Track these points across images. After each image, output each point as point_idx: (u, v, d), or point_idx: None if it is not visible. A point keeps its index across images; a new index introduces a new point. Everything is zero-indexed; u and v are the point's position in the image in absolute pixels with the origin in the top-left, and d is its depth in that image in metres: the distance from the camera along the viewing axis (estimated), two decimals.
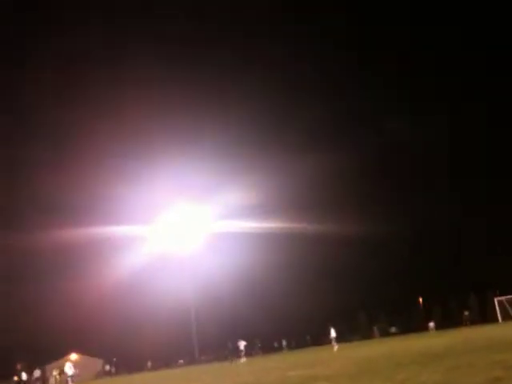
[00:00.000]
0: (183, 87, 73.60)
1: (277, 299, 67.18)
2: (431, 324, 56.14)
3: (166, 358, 69.03)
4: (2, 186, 65.73)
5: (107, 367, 68.88)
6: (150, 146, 67.87)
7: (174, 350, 69.64)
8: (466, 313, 57.84)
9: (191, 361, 62.41)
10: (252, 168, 68.59)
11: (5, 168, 67.50)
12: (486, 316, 59.00)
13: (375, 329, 70.61)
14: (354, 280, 71.49)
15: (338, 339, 63.47)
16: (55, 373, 63.15)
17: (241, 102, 68.57)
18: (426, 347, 20.59)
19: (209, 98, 77.57)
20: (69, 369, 24.78)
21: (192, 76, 77.01)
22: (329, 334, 37.72)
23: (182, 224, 58.77)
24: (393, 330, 70.74)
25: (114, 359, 69.88)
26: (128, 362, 69.88)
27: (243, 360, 38.59)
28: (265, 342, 68.32)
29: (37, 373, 23.18)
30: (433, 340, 28.27)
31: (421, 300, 72.13)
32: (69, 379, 24.43)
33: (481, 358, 11.58)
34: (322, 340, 61.48)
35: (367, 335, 67.95)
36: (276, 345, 66.02)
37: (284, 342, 63.79)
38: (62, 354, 68.87)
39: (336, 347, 35.11)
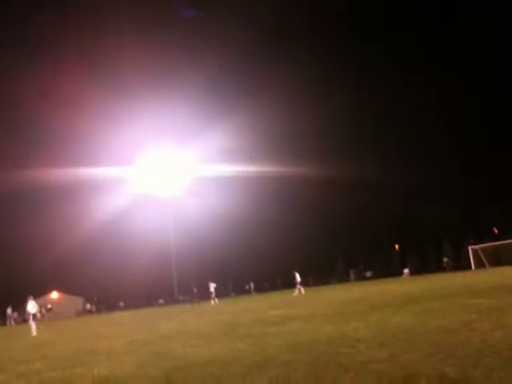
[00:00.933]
0: (169, 26, 71.45)
1: (256, 243, 68.25)
2: (406, 270, 57.62)
3: (146, 297, 70.27)
4: None
5: (88, 306, 70.10)
6: (132, 85, 66.49)
7: (154, 290, 70.95)
8: (446, 259, 59.48)
9: (171, 301, 63.70)
10: (236, 110, 67.88)
11: None
12: (460, 263, 60.72)
13: (351, 273, 72.40)
14: (333, 224, 72.75)
15: (315, 282, 65.27)
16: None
17: (227, 42, 66.87)
18: (401, 291, 21.23)
19: (194, 38, 75.73)
20: (32, 307, 23.44)
21: (179, 14, 74.69)
22: (294, 278, 38.45)
23: (165, 166, 58.49)
24: (368, 274, 72.53)
25: (95, 298, 71.05)
26: (108, 301, 71.06)
27: (213, 302, 39.24)
28: (238, 284, 69.79)
29: (9, 310, 21.80)
30: (407, 285, 29.11)
31: (397, 246, 73.84)
32: (30, 317, 23.44)
33: (454, 302, 12.01)
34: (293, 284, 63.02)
35: (343, 279, 69.74)
36: (247, 287, 66.93)
37: (252, 285, 64.10)
38: (42, 292, 69.67)
39: (302, 290, 35.98)
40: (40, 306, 65.41)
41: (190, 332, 12.80)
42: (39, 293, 68.90)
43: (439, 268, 59.43)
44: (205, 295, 44.21)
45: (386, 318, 10.04)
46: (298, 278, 37.96)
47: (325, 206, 69.70)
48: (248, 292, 63.48)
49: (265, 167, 62.86)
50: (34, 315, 23.67)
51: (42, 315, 63.19)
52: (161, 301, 69.63)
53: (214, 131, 62.21)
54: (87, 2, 73.79)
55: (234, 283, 70.30)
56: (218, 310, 24.85)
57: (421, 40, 74.99)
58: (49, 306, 68.78)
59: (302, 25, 78.15)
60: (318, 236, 71.33)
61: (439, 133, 74.76)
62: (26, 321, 23.61)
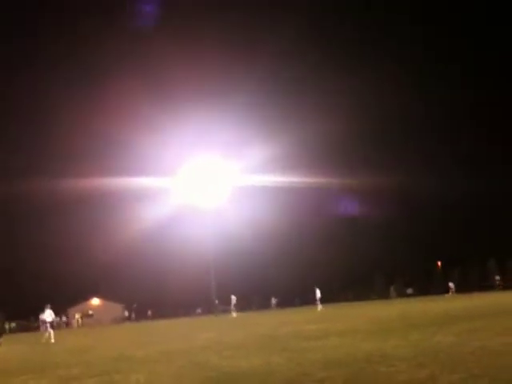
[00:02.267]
0: (213, 37, 72.33)
1: (296, 256, 67.89)
2: (451, 284, 54.13)
3: (185, 306, 70.70)
4: (27, 131, 66.47)
5: (126, 313, 71.00)
6: (176, 96, 67.65)
7: (192, 300, 71.24)
8: (498, 277, 57.43)
9: (209, 310, 63.83)
10: (279, 121, 68.07)
11: (31, 114, 68.01)
12: (505, 282, 58.66)
13: (392, 289, 70.93)
14: (373, 239, 71.74)
15: (356, 299, 64.28)
16: (77, 316, 65.55)
17: (271, 53, 67.14)
18: (443, 310, 20.69)
19: (239, 49, 76.39)
20: (48, 315, 23.88)
21: (223, 25, 75.67)
22: (314, 294, 37.87)
23: (206, 177, 59.00)
24: (409, 291, 70.91)
25: (134, 305, 71.92)
26: (147, 309, 71.76)
27: (234, 314, 39.64)
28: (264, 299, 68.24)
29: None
30: (450, 303, 28.36)
31: (439, 263, 72.10)
32: (48, 325, 23.84)
33: (497, 322, 11.60)
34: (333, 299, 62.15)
35: (383, 295, 68.43)
36: (272, 301, 65.14)
37: (273, 300, 62.21)
38: (84, 298, 71.13)
39: (320, 307, 35.40)
40: (81, 312, 67.27)
41: (227, 343, 12.79)
42: (81, 299, 70.58)
43: (486, 287, 57.53)
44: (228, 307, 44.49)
45: (427, 337, 9.77)
46: (318, 293, 37.49)
47: (366, 218, 68.91)
48: (269, 307, 62.14)
49: (307, 178, 62.48)
50: (52, 323, 24.26)
51: (82, 321, 64.61)
52: (198, 310, 69.90)
53: (257, 141, 62.46)
54: (134, 13, 75.42)
55: (258, 297, 69.15)
56: (255, 323, 24.77)
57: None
58: (90, 312, 70.13)
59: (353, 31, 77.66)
60: (359, 250, 70.50)
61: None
62: (53, 327, 24.15)
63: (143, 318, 66.92)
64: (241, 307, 45.62)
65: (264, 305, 61.12)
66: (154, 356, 10.99)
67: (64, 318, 59.53)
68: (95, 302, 72.51)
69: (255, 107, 71.54)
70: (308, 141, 66.09)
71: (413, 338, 9.89)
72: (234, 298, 42.61)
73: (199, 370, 7.89)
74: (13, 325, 54.44)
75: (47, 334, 23.75)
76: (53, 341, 22.42)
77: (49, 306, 24.38)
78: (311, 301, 38.33)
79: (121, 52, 71.00)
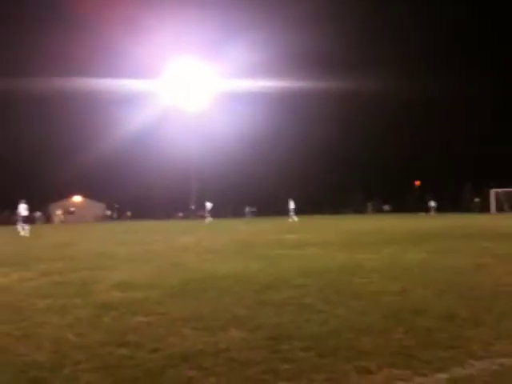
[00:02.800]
0: None
1: (275, 164, 68.15)
2: (432, 203, 54.35)
3: (166, 209, 71.65)
4: (14, 32, 63.67)
5: (108, 212, 71.91)
6: None
7: (174, 203, 72.10)
8: (476, 199, 58.44)
9: (189, 215, 64.91)
10: (263, 23, 65.78)
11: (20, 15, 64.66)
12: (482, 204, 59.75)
13: (369, 205, 72.45)
14: (354, 151, 72.23)
15: (332, 212, 65.66)
16: (59, 212, 66.16)
17: None
18: (418, 228, 21.33)
19: None
20: (23, 209, 24.20)
21: None
22: (288, 205, 38.40)
23: (190, 80, 57.75)
24: (386, 208, 72.54)
25: (116, 206, 72.71)
26: (126, 210, 72.59)
27: (208, 220, 40.83)
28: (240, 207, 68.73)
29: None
30: (425, 222, 29.21)
31: (417, 183, 73.26)
32: (20, 219, 24.26)
33: (471, 244, 12.04)
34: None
35: (360, 210, 69.98)
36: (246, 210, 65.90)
37: (247, 209, 62.40)
38: (66, 195, 71.44)
39: (295, 219, 36.04)
40: (62, 208, 67.88)
41: (206, 247, 13.15)
42: (63, 195, 70.91)
43: (463, 208, 58.85)
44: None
45: (400, 252, 10.17)
46: (291, 205, 37.97)
47: (347, 124, 68.61)
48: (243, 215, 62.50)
49: (288, 82, 61.31)
50: (25, 218, 24.47)
51: (63, 217, 65.38)
52: (180, 214, 70.99)
53: (239, 45, 60.55)
54: None
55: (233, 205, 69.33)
56: (233, 230, 25.35)
57: None
58: (71, 209, 70.80)
59: None
60: (337, 164, 71.01)
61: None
62: (26, 222, 24.41)
63: (123, 218, 67.98)
64: (216, 214, 46.55)
65: (239, 213, 61.94)
66: (136, 254, 11.30)
67: (38, 213, 59.97)
68: (77, 199, 72.93)
69: (239, 7, 68.53)
70: (291, 45, 64.25)
71: (386, 252, 10.28)
72: (209, 205, 43.61)
73: (180, 271, 8.16)
74: None
75: (20, 228, 24.04)
76: (27, 235, 22.78)
77: (23, 200, 24.38)
78: (286, 212, 38.63)
79: None
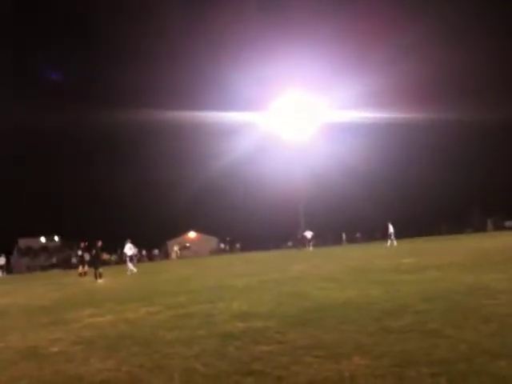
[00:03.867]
0: None
1: (387, 192, 66.67)
2: None
3: (274, 239, 72.36)
4: (126, 65, 68.67)
5: (221, 245, 74.15)
6: (266, 30, 66.54)
7: (281, 233, 72.65)
8: None
9: (299, 243, 64.83)
10: (371, 56, 65.22)
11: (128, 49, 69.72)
12: None
13: (489, 222, 68.23)
14: (471, 171, 68.76)
15: (449, 231, 62.65)
16: (176, 248, 69.32)
17: None
18: None
19: None
20: (128, 249, 25.15)
21: None
22: (387, 229, 37.05)
23: (296, 112, 58.54)
24: (508, 224, 67.85)
25: (228, 238, 74.81)
26: (236, 243, 74.32)
27: (310, 249, 40.92)
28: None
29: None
30: None
31: None
32: (127, 259, 25.17)
33: None
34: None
35: (480, 229, 66.04)
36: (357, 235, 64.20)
37: (344, 236, 61.24)
38: (181, 232, 74.87)
39: (394, 243, 34.62)
40: (179, 244, 71.06)
41: (319, 275, 13.07)
42: (178, 232, 74.35)
43: None
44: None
45: None
46: (391, 229, 36.68)
47: (463, 151, 65.68)
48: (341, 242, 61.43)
49: (398, 113, 60.03)
50: (131, 257, 25.55)
51: (180, 253, 68.37)
52: (289, 243, 71.33)
53: (348, 76, 60.62)
54: None
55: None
56: (345, 256, 24.99)
57: None
58: (187, 245, 73.87)
59: None
60: (453, 181, 67.98)
61: None
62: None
63: (234, 251, 69.57)
64: (317, 243, 47.02)
65: (339, 241, 61.31)
66: (253, 285, 11.51)
67: (156, 251, 63.36)
68: (192, 235, 76.08)
69: (347, 41, 68.72)
70: (403, 75, 62.92)
71: None
72: (309, 234, 44.46)
73: (297, 300, 8.20)
74: (114, 257, 57.99)
75: (129, 266, 25.17)
76: (134, 271, 23.93)
77: (129, 240, 25.61)
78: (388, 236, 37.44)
79: None
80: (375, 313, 6.23)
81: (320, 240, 55.93)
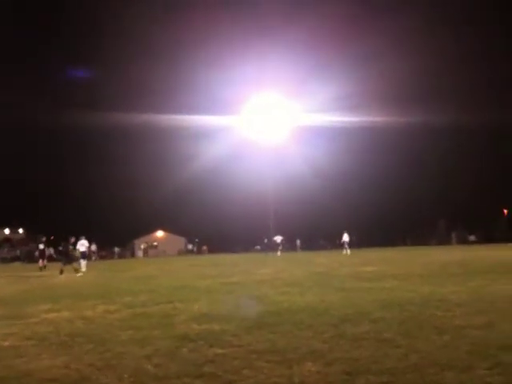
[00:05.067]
0: None
1: (357, 196, 67.34)
2: None
3: (243, 242, 72.38)
4: (102, 67, 67.91)
5: (189, 246, 73.78)
6: (238, 33, 66.50)
7: (253, 237, 72.71)
8: None
9: (267, 248, 65.07)
10: (341, 59, 65.86)
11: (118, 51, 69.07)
12: None
13: (453, 235, 69.57)
14: (437, 183, 69.94)
15: (413, 242, 63.64)
16: (142, 246, 68.77)
17: None
18: (505, 258, 20.18)
19: None
20: (81, 245, 24.39)
21: None
22: (340, 238, 37.77)
23: (268, 115, 58.71)
24: (472, 238, 69.26)
25: (196, 240, 74.44)
26: (207, 243, 74.10)
27: (279, 253, 41.20)
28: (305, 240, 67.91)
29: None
30: None
31: (505, 212, 69.68)
32: (79, 255, 24.42)
33: None
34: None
35: (444, 241, 67.28)
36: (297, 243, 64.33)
37: (298, 242, 61.73)
38: (149, 230, 74.18)
39: (348, 251, 35.23)
40: (146, 243, 70.47)
41: (283, 279, 13.12)
42: (146, 231, 73.65)
43: None
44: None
45: (486, 284, 9.65)
46: (345, 237, 37.29)
47: (431, 158, 66.71)
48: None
49: (370, 117, 60.58)
50: (84, 253, 24.90)
51: (147, 251, 67.82)
52: (258, 247, 71.47)
53: (320, 80, 61.01)
54: None
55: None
56: (311, 261, 25.11)
57: None
58: (154, 243, 73.24)
59: None
60: (420, 193, 69.10)
61: None
62: (85, 257, 24.58)
63: (201, 252, 69.32)
64: (287, 248, 47.75)
65: (310, 247, 61.79)
66: (215, 287, 11.46)
67: (116, 249, 62.89)
68: (160, 234, 75.43)
69: (318, 44, 69.26)
70: (371, 79, 63.65)
71: (472, 284, 9.79)
72: (279, 238, 45.12)
73: (257, 303, 8.19)
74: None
75: (83, 263, 24.40)
76: (83, 270, 23.08)
77: (83, 237, 24.95)
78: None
79: None
80: (333, 319, 6.27)
81: (291, 245, 56.27)
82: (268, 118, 59.04)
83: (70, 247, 22.25)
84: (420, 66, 62.06)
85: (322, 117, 59.23)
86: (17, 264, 48.02)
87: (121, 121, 56.32)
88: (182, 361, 4.52)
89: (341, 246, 37.85)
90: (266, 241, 49.46)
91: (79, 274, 20.03)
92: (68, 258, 21.39)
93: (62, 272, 20.08)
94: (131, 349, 5.11)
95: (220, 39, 64.53)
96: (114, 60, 72.18)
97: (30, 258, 48.84)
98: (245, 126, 59.72)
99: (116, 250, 63.56)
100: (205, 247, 71.83)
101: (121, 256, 61.64)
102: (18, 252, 59.29)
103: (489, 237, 64.07)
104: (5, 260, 54.81)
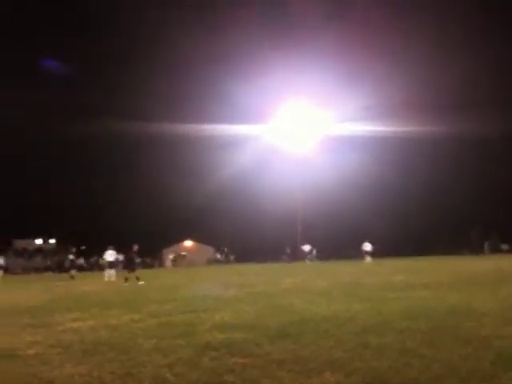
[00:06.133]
0: None
1: (387, 206, 66.50)
2: None
3: (271, 252, 72.19)
4: (128, 75, 68.98)
5: (217, 255, 73.94)
6: (269, 42, 66.71)
7: (281, 247, 72.52)
8: None
9: (289, 258, 64.76)
10: (372, 67, 65.36)
11: (134, 58, 70.19)
12: None
13: (486, 245, 68.15)
14: (470, 192, 68.59)
15: (445, 252, 62.55)
16: (171, 256, 69.17)
17: None
18: None
19: None
20: (109, 256, 25.18)
21: None
22: (361, 246, 37.54)
23: (298, 124, 58.71)
24: (505, 247, 67.73)
25: (225, 249, 74.58)
26: (236, 252, 74.15)
27: (307, 262, 41.50)
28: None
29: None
30: None
31: None
32: (106, 265, 25.31)
33: None
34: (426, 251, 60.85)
35: (477, 251, 65.90)
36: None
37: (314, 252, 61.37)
38: (178, 240, 74.64)
39: (369, 260, 34.99)
40: (175, 253, 70.94)
41: (309, 289, 13.03)
42: (174, 240, 74.22)
43: None
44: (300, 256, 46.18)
45: None
46: (367, 247, 37.07)
47: (465, 168, 65.51)
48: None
49: (400, 126, 59.88)
50: (111, 263, 25.43)
51: (175, 261, 68.20)
52: (285, 257, 71.25)
53: (350, 88, 60.54)
54: None
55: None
56: (340, 271, 24.92)
57: None
58: (183, 253, 73.70)
59: None
60: (454, 204, 67.90)
61: None
62: (150, 266, 25.48)
63: (230, 262, 69.41)
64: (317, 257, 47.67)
65: (341, 255, 61.29)
66: (240, 296, 11.46)
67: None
68: (188, 243, 75.85)
69: (349, 53, 69.04)
70: (402, 89, 63.02)
71: (502, 293, 9.56)
72: (307, 247, 45.09)
73: (280, 313, 8.15)
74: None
75: (112, 272, 25.06)
76: (113, 279, 23.70)
77: (111, 247, 25.51)
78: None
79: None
80: (357, 328, 6.20)
81: (321, 254, 55.86)
82: (297, 127, 59.09)
83: (133, 255, 22.53)
84: (454, 75, 61.20)
85: (351, 126, 58.94)
86: (48, 274, 48.90)
87: (151, 130, 57.14)
88: (202, 370, 4.53)
89: (364, 255, 37.80)
90: (288, 251, 49.48)
91: (141, 282, 20.03)
92: (132, 265, 21.75)
93: (126, 280, 20.35)
94: (153, 357, 5.14)
95: (249, 47, 64.75)
96: (146, 70, 73.00)
97: (60, 267, 49.71)
98: (274, 135, 59.93)
99: (138, 260, 64.09)
100: (232, 257, 71.92)
101: (148, 266, 62.02)
102: (49, 262, 60.45)
103: None
104: (37, 270, 55.95)
